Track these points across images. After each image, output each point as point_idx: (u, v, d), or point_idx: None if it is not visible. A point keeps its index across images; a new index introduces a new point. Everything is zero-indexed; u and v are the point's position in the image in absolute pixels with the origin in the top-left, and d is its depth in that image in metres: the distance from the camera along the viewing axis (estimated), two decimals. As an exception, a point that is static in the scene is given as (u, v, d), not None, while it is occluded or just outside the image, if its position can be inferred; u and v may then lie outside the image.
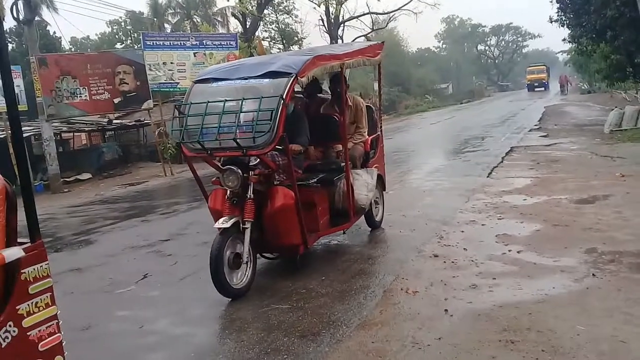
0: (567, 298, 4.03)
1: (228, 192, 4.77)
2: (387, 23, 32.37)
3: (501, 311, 3.87)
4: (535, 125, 19.45)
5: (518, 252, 5.20)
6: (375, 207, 6.54)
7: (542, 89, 53.61)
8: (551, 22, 17.77)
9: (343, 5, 26.18)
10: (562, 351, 3.23)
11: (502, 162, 11.37)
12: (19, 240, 2.37)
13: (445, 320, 3.82)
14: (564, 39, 19.18)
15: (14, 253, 2.22)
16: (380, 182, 6.64)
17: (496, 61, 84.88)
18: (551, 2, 17.24)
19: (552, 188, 8.05)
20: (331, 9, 26.12)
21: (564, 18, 17.23)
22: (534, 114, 24.37)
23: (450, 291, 4.34)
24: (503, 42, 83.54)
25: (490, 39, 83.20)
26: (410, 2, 27.70)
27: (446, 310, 3.97)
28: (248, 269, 4.70)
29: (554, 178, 8.90)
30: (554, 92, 49.15)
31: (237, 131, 4.48)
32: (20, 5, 15.72)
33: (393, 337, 3.64)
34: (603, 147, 12.23)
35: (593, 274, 4.41)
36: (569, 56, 37.99)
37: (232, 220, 4.55)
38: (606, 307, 3.79)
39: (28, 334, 2.26)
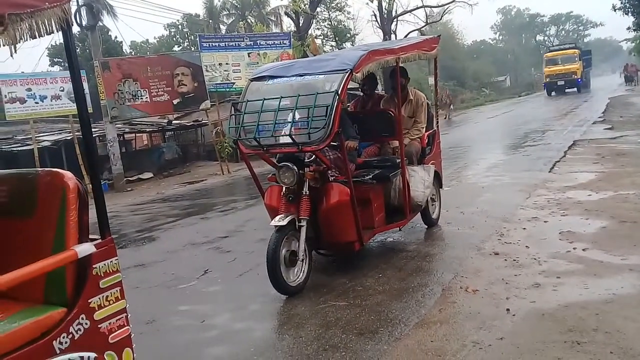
0: (637, 298, 3.84)
1: (284, 188, 4.82)
2: (442, 16, 31.77)
3: (566, 311, 3.73)
4: (599, 117, 18.62)
5: (583, 249, 5.00)
6: (432, 204, 6.45)
7: (574, 89, 35.95)
8: (615, 10, 17.03)
9: (396, 0, 25.94)
10: (632, 353, 3.09)
11: (564, 156, 10.95)
12: (90, 236, 2.48)
13: (507, 320, 3.72)
14: (628, 27, 18.33)
15: (86, 249, 2.34)
16: (437, 179, 6.54)
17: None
18: (615, -12, 16.50)
19: (618, 183, 7.68)
20: (384, 4, 25.86)
21: (628, 5, 16.48)
22: (598, 106, 23.33)
23: (512, 290, 4.23)
24: (563, 32, 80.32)
25: (550, 29, 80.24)
26: (465, -7, 27.03)
27: (508, 309, 3.87)
28: (304, 265, 4.74)
29: (620, 172, 8.49)
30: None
31: (293, 127, 4.51)
32: (83, 12, 16.45)
33: (452, 336, 3.58)
34: (674, 140, 11.57)
35: (665, 273, 4.19)
36: (633, 44, 36.26)
37: (288, 218, 4.59)
38: (681, 308, 3.59)
39: (99, 326, 2.37)
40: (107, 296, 2.41)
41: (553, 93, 36.72)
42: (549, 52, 40.79)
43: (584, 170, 9.10)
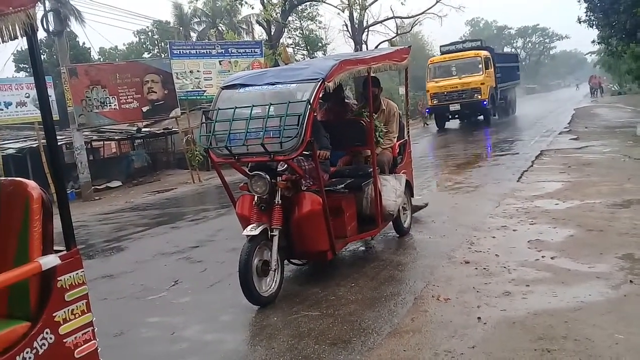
0: (605, 305, 3.91)
1: (255, 197, 4.78)
2: (412, 27, 32.22)
3: (536, 319, 3.77)
4: (565, 127, 19.07)
5: (552, 258, 5.08)
6: (404, 213, 6.49)
7: (480, 116, 23.19)
8: (579, 22, 17.53)
9: (367, 10, 26.18)
10: (601, 360, 3.14)
11: (532, 165, 11.17)
12: (55, 248, 2.41)
13: (478, 329, 3.74)
14: (593, 41, 18.90)
15: (50, 261, 2.27)
16: (409, 188, 6.58)
17: (523, 63, 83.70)
18: (579, 2, 17.00)
19: (584, 192, 7.86)
20: (355, 14, 26.13)
21: (592, 18, 16.99)
22: (563, 117, 23.90)
23: (482, 298, 4.26)
24: (530, 44, 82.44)
25: (517, 41, 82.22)
26: (435, 5, 27.44)
27: (479, 318, 3.90)
28: (276, 275, 4.69)
29: (586, 182, 8.70)
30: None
31: (264, 136, 4.48)
32: (50, 16, 16.14)
33: (425, 345, 3.58)
34: (636, 150, 11.90)
35: (630, 281, 4.28)
36: (598, 57, 37.29)
37: (260, 228, 4.55)
38: (646, 314, 3.67)
39: (65, 340, 2.29)
40: (72, 309, 2.34)
41: (450, 124, 24.27)
42: (440, 52, 26.03)
43: (551, 179, 9.29)
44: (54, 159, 2.72)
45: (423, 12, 28.07)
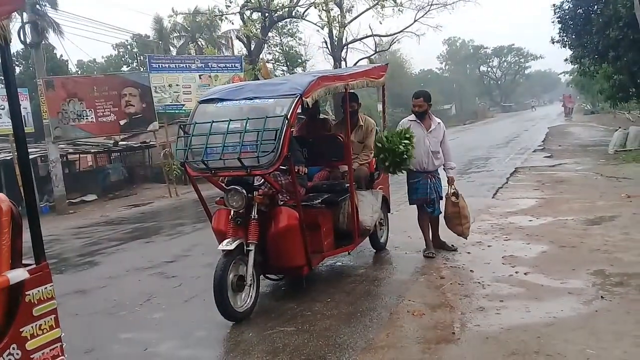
0: (576, 321, 3.97)
1: (232, 212, 4.76)
2: (390, 45, 32.52)
3: (509, 334, 3.81)
4: (539, 145, 19.45)
5: (525, 273, 5.15)
6: (380, 229, 6.52)
7: None
8: (553, 42, 17.92)
9: (346, 28, 26.36)
10: (572, 375, 3.17)
11: (506, 182, 11.34)
12: (24, 261, 2.36)
13: (452, 344, 3.76)
14: (566, 60, 19.31)
15: (18, 275, 2.22)
16: (385, 204, 6.62)
17: (499, 82, 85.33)
18: (553, 22, 17.42)
19: (557, 209, 8.00)
20: (334, 32, 26.29)
21: (565, 39, 17.39)
22: (538, 135, 24.38)
23: (457, 314, 4.29)
24: (505, 64, 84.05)
25: (493, 61, 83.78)
26: (412, 24, 27.79)
27: (453, 333, 3.92)
28: (252, 290, 4.66)
29: (559, 199, 8.86)
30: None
31: (241, 151, 4.48)
32: (28, 28, 15.96)
33: (400, 360, 3.59)
34: (608, 168, 12.19)
35: (602, 297, 4.36)
36: (571, 77, 38.11)
37: (236, 243, 4.52)
38: (616, 330, 3.73)
39: (32, 356, 2.24)
40: (40, 324, 2.29)
41: None
42: None
43: (525, 196, 9.44)
44: (25, 171, 2.68)
45: (401, 31, 28.42)
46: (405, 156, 5.70)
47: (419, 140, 5.94)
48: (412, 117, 6.20)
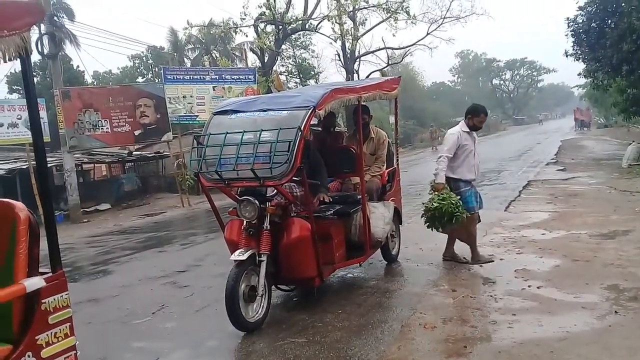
0: (590, 336, 3.93)
1: (244, 222, 4.78)
2: (403, 58, 32.60)
3: (522, 348, 3.78)
4: (552, 159, 19.33)
5: (538, 287, 5.11)
6: (392, 241, 6.51)
7: None
8: (566, 56, 17.84)
9: (359, 41, 26.48)
10: (585, 391, 3.14)
11: (519, 195, 11.27)
12: (40, 270, 2.40)
13: (463, 357, 3.74)
14: (579, 73, 19.22)
15: (35, 283, 2.25)
16: (397, 215, 6.61)
17: (511, 95, 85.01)
18: (566, 36, 17.36)
19: (571, 222, 7.94)
20: (347, 44, 26.42)
21: (579, 52, 17.31)
22: (550, 148, 24.23)
23: (468, 327, 4.27)
24: (518, 77, 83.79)
25: (505, 74, 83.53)
26: (425, 37, 27.85)
27: (465, 346, 3.89)
28: (263, 301, 4.67)
29: (572, 212, 8.79)
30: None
31: (255, 162, 4.51)
32: (45, 40, 16.23)
33: (411, 373, 3.57)
34: (621, 182, 12.07)
35: (615, 311, 4.31)
36: (584, 90, 37.89)
37: (248, 253, 4.54)
38: (629, 345, 3.69)
39: (47, 364, 2.26)
40: (56, 333, 2.32)
41: None
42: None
43: (538, 209, 9.37)
44: (43, 180, 2.72)
45: (414, 44, 28.46)
46: (457, 214, 5.79)
47: (472, 152, 6.24)
48: (465, 128, 6.24)
